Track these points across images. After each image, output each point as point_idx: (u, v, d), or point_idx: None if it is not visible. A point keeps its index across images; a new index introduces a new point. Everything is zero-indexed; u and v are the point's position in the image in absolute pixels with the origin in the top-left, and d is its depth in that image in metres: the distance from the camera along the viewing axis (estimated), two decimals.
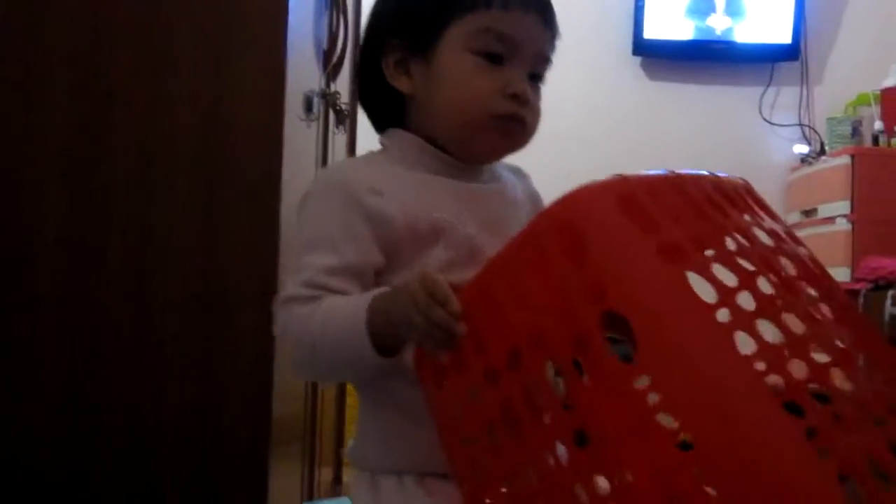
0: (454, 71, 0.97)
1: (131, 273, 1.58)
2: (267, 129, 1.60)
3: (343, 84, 2.22)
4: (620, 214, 0.76)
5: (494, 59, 0.97)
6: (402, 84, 1.01)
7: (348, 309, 0.90)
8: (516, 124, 0.98)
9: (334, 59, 2.06)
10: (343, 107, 2.13)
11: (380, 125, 1.06)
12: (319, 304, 0.91)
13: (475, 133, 0.98)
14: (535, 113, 1.00)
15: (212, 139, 1.61)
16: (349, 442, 1.04)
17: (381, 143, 1.05)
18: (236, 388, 1.58)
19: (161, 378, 1.57)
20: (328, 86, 2.06)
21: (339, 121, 2.17)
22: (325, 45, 2.03)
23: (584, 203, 0.78)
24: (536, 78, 1.01)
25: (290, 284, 0.94)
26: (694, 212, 0.80)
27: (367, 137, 2.07)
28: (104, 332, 1.57)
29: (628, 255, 0.75)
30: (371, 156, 1.04)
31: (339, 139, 2.28)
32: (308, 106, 1.83)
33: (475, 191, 1.01)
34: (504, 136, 0.99)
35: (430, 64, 0.99)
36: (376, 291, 0.91)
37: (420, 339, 0.87)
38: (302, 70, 1.79)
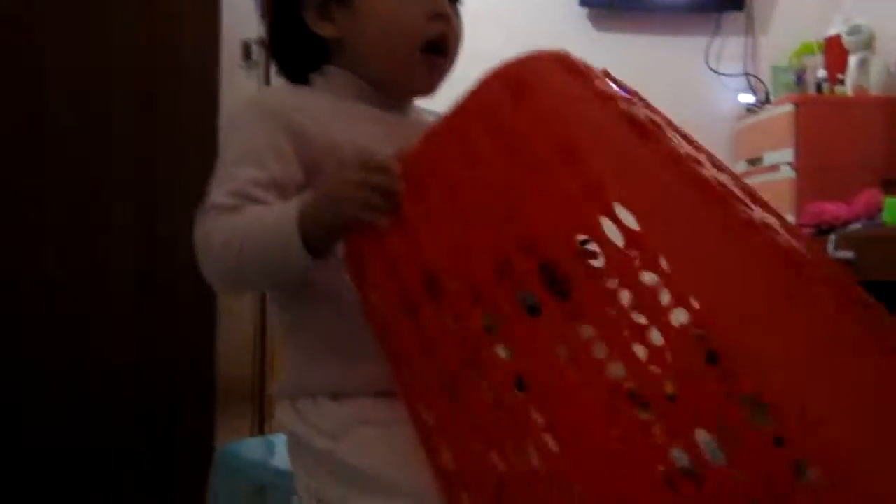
0: (378, 4, 0.99)
1: (71, 232, 1.53)
2: (202, 77, 1.56)
3: None
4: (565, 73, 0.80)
5: None
6: (326, 30, 1.02)
7: (277, 210, 0.90)
8: (438, 58, 1.01)
9: None
10: None
11: (300, 76, 1.06)
12: (246, 210, 0.91)
13: (405, 65, 1.00)
14: (458, 34, 1.03)
15: (146, 88, 1.55)
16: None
17: (311, 80, 1.05)
18: (180, 352, 1.55)
19: (104, 343, 1.53)
20: None
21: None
22: None
23: (530, 61, 0.81)
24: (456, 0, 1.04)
25: (215, 193, 0.93)
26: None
27: None
28: (45, 297, 1.52)
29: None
30: (300, 86, 1.05)
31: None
32: (247, 53, 1.78)
33: (401, 122, 1.03)
34: (432, 69, 1.02)
35: (353, 3, 1.00)
36: (304, 194, 0.92)
37: (355, 214, 0.86)
38: (239, 16, 1.73)
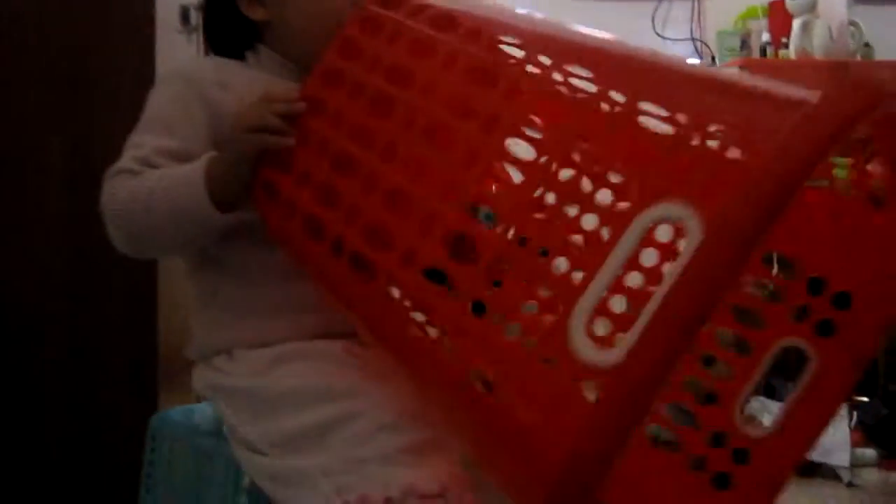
0: None
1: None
2: (137, 42, 1.52)
3: None
4: None
5: None
6: (256, 13, 1.04)
7: (184, 168, 0.91)
8: None
9: None
10: None
11: (233, 53, 1.08)
12: (152, 172, 0.92)
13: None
14: None
15: (77, 54, 1.51)
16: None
17: (246, 56, 1.08)
18: (119, 323, 1.52)
19: (41, 319, 1.50)
20: None
21: None
22: None
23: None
24: None
25: (123, 159, 0.95)
26: None
27: None
28: None
29: None
30: (229, 61, 1.06)
31: None
32: (185, 18, 1.74)
33: None
34: None
35: None
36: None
37: (261, 141, 0.89)
38: None
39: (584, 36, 0.88)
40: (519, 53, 0.82)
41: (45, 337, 1.53)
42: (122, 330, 1.55)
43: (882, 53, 3.24)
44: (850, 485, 2.10)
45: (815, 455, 2.19)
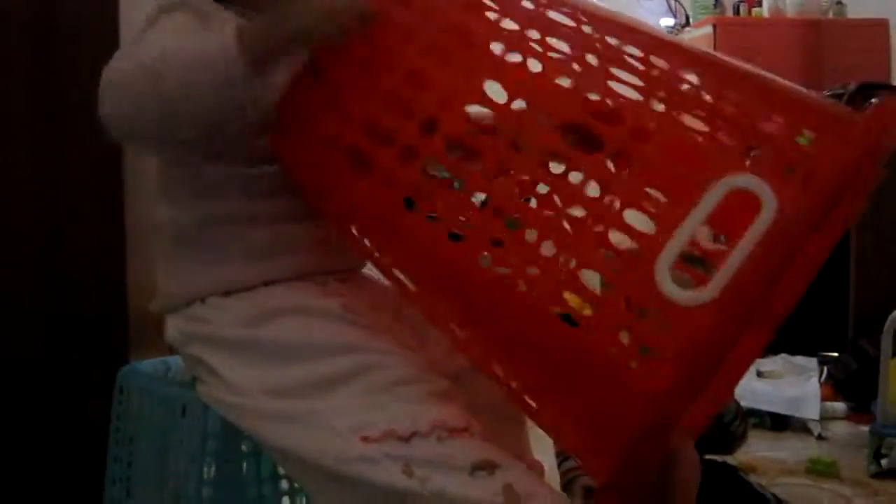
0: None
1: None
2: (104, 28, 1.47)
3: None
4: None
5: None
6: None
7: (205, 33, 0.83)
8: None
9: None
10: None
11: None
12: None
13: None
14: None
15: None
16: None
17: None
18: (87, 282, 1.50)
19: (10, 304, 1.47)
20: None
21: None
22: None
23: None
24: None
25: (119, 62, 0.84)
26: None
27: None
28: None
29: None
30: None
31: None
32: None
33: None
34: None
35: None
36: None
37: (318, 26, 0.81)
38: None
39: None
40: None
41: (13, 299, 1.50)
42: (92, 290, 1.52)
43: (854, 12, 3.25)
44: (820, 437, 2.12)
45: (786, 409, 2.22)
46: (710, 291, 0.62)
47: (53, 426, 1.48)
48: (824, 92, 2.79)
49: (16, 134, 1.47)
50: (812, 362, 2.49)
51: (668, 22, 3.72)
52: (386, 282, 0.93)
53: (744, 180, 0.65)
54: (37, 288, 1.49)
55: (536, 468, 1.00)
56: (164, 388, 1.02)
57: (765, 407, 2.21)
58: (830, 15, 3.29)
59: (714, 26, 3.23)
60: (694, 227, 0.65)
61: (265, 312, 0.90)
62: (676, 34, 3.55)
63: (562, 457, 1.39)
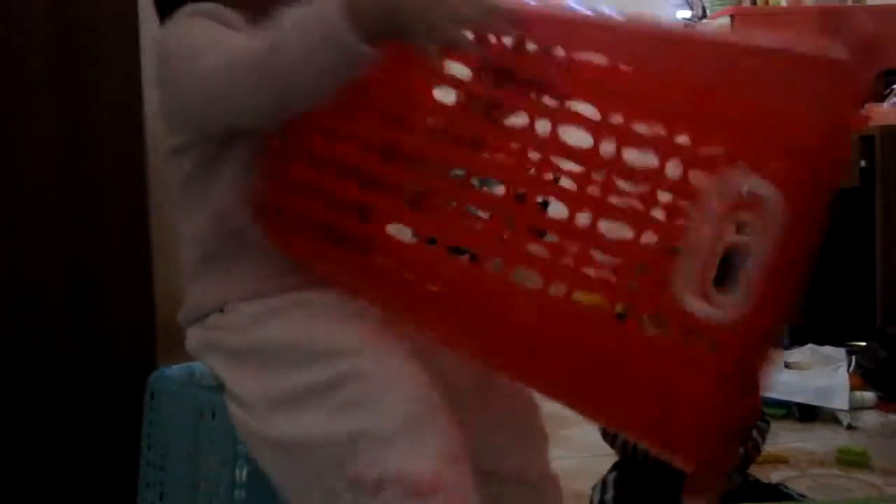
0: None
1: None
2: (125, 31, 1.49)
3: None
4: None
5: None
6: None
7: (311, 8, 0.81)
8: None
9: None
10: None
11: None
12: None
13: None
14: None
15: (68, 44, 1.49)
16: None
17: None
18: (115, 296, 1.51)
19: (38, 311, 1.49)
20: None
21: None
22: None
23: None
24: None
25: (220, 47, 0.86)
26: None
27: None
28: None
29: None
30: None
31: None
32: None
33: None
34: None
35: None
36: None
37: (451, 36, 0.78)
38: None
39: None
40: None
41: (43, 312, 1.52)
42: (119, 296, 1.54)
43: None
44: (849, 427, 2.11)
45: (815, 399, 2.20)
46: (730, 309, 0.68)
47: (85, 432, 1.50)
48: None
49: (40, 143, 1.49)
50: (840, 352, 2.47)
51: (685, 14, 3.70)
52: None
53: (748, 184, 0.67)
54: (65, 295, 1.51)
55: (552, 482, 1.01)
56: (193, 393, 1.03)
57: (793, 398, 2.20)
58: (850, 2, 3.26)
59: (732, 17, 3.21)
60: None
61: (269, 311, 0.90)
62: (694, 26, 3.54)
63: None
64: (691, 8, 3.71)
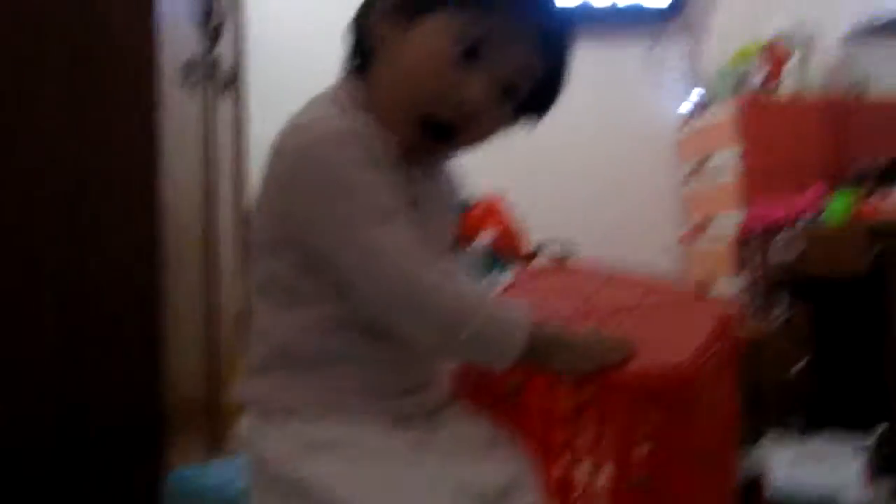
0: (421, 50, 0.92)
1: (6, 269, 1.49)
2: (138, 98, 1.52)
3: (227, 47, 2.14)
4: None
5: (470, 53, 0.91)
6: (377, 31, 0.95)
7: (514, 323, 0.92)
8: (440, 140, 0.94)
9: (214, 22, 1.98)
10: (227, 71, 2.06)
11: (350, 58, 1.00)
12: (483, 295, 0.93)
13: (400, 124, 0.93)
14: (479, 129, 0.95)
15: (76, 110, 1.51)
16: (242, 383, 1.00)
17: (344, 90, 0.98)
18: (123, 381, 1.50)
19: (41, 380, 1.48)
20: (209, 51, 1.98)
21: (224, 85, 2.09)
22: (205, 8, 1.95)
23: None
24: (512, 93, 0.94)
25: (424, 271, 0.90)
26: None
27: (258, 102, 1.99)
28: None
29: None
30: (340, 112, 0.94)
31: (224, 105, 2.20)
32: (186, 73, 1.76)
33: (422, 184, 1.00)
34: (426, 146, 0.95)
35: (408, 31, 0.93)
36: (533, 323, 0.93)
37: (591, 364, 0.93)
38: (178, 34, 1.71)
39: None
40: None
41: (44, 391, 1.51)
42: (127, 381, 1.53)
43: (879, 88, 3.27)
44: None
45: (830, 492, 2.16)
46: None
47: None
48: (851, 169, 2.80)
49: (51, 230, 1.50)
50: (855, 440, 2.43)
51: (691, 104, 3.76)
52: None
53: None
54: (65, 381, 1.50)
55: None
56: (217, 500, 1.02)
57: (808, 490, 2.16)
58: (855, 93, 3.32)
59: (738, 107, 3.26)
60: None
61: (310, 443, 0.90)
62: (700, 116, 3.59)
63: None
64: (697, 97, 3.78)
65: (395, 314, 0.89)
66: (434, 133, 0.93)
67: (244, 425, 0.97)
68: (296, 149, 0.91)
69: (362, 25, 0.97)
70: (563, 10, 0.98)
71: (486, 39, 0.91)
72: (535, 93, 0.97)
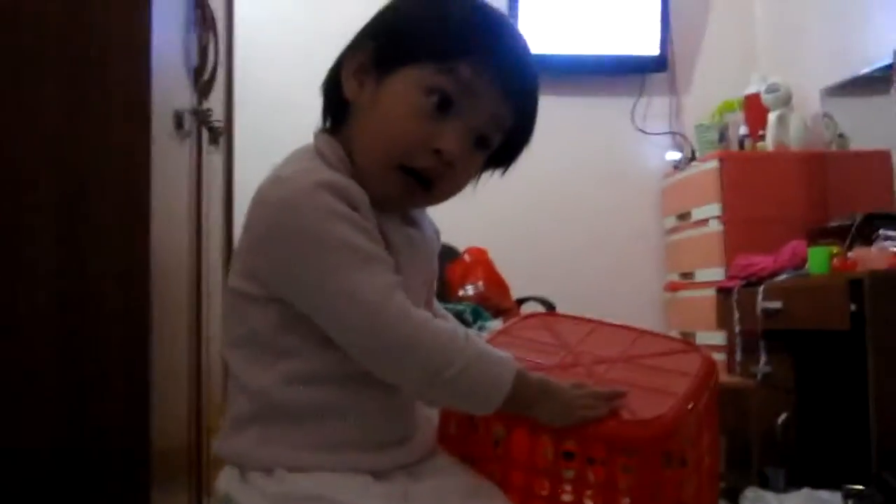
0: (395, 103, 0.95)
1: None
2: (133, 149, 1.54)
3: (217, 100, 2.17)
4: None
5: (444, 105, 0.94)
6: (349, 88, 0.98)
7: (500, 365, 0.94)
8: (418, 188, 0.96)
9: (206, 76, 2.01)
10: (217, 124, 2.08)
11: (326, 115, 1.04)
12: (469, 338, 0.93)
13: (378, 173, 0.96)
14: (455, 179, 0.98)
15: (73, 161, 1.53)
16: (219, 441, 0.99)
17: (324, 143, 0.99)
18: (110, 426, 1.50)
19: (30, 422, 1.48)
20: (200, 103, 2.00)
21: (213, 139, 2.11)
22: (195, 62, 1.98)
23: None
24: (483, 143, 0.98)
25: (396, 295, 0.91)
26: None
27: (243, 154, 2.00)
28: None
29: None
30: (320, 165, 0.97)
31: (214, 158, 2.22)
32: (178, 123, 1.78)
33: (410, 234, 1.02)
34: (406, 192, 0.97)
35: (380, 84, 0.96)
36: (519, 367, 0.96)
37: (584, 415, 0.95)
38: (170, 86, 1.73)
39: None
40: None
41: (33, 438, 1.50)
42: (115, 427, 1.53)
43: (857, 143, 3.34)
44: None
45: None
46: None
47: None
48: (830, 223, 2.85)
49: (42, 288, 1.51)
50: (836, 497, 2.44)
51: (674, 156, 3.82)
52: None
53: None
54: (56, 430, 1.50)
55: None
56: None
57: None
58: (833, 147, 3.38)
59: (720, 160, 3.32)
60: None
61: (291, 496, 0.91)
62: (683, 169, 3.65)
63: None
64: (680, 150, 3.84)
65: (382, 353, 0.90)
66: (414, 180, 0.96)
67: (222, 481, 0.97)
68: (276, 200, 0.93)
69: (336, 82, 1.00)
70: (530, 59, 1.00)
71: (458, 90, 0.94)
72: (505, 143, 1.00)
